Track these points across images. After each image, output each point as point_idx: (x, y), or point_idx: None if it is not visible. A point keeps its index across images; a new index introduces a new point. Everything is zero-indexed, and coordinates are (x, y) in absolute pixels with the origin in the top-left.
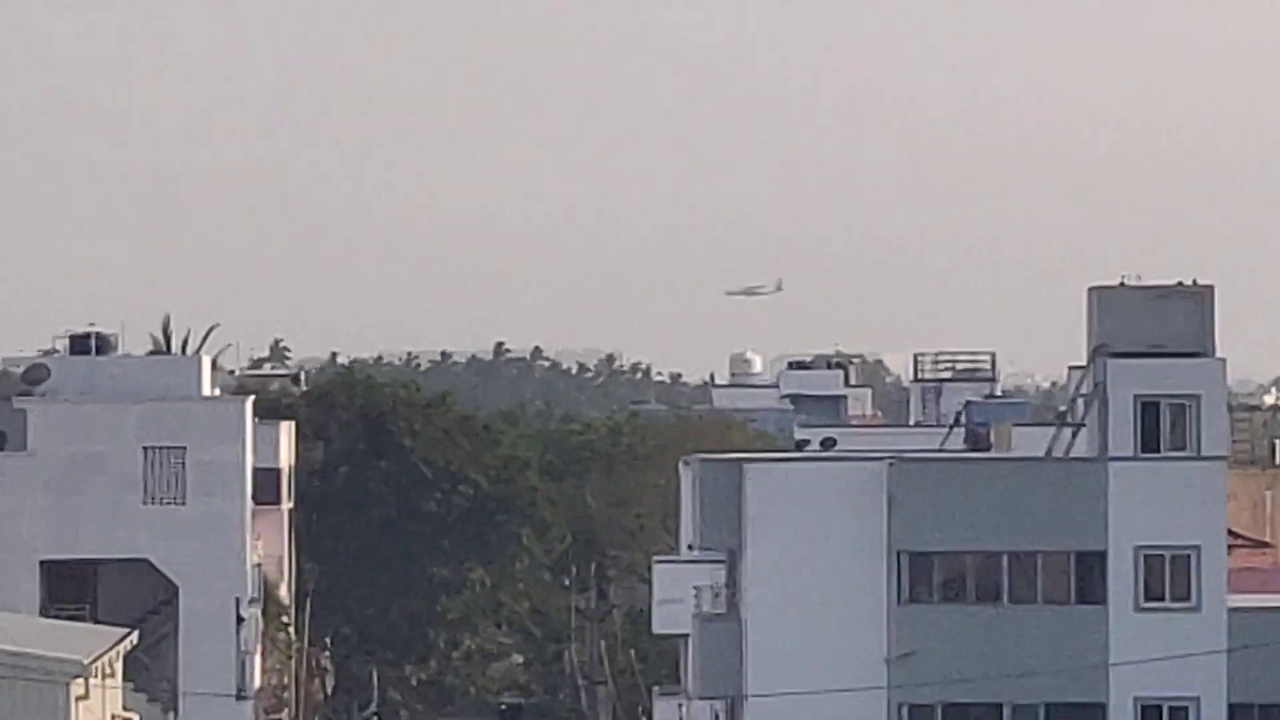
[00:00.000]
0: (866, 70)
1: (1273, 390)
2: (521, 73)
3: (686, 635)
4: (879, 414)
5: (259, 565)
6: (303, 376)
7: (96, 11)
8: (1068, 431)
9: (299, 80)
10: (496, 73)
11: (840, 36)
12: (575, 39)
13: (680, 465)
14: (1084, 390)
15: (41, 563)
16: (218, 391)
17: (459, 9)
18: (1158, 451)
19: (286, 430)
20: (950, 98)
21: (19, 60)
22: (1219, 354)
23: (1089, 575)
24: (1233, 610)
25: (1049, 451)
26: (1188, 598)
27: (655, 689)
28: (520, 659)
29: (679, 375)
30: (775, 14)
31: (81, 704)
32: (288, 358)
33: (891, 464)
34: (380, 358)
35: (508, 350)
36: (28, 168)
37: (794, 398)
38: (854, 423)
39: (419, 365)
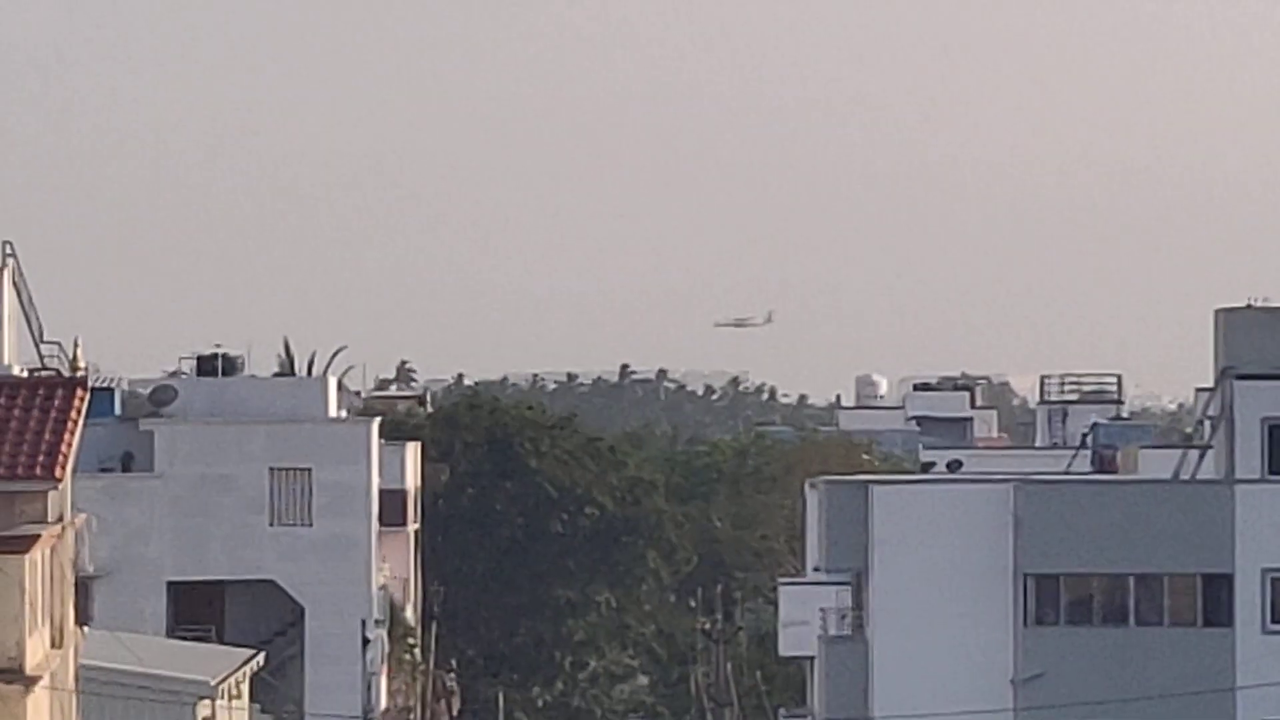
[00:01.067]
0: (999, 84)
1: None
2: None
3: (812, 657)
4: (1005, 436)
5: (385, 587)
6: (429, 398)
7: (197, 38)
8: (1194, 453)
9: (420, 108)
10: (614, 109)
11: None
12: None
13: (806, 487)
14: (1211, 412)
15: (169, 584)
16: (344, 413)
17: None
18: None
19: (413, 451)
20: (1077, 115)
21: (149, 83)
22: None
23: (1216, 598)
24: None
25: (1176, 474)
26: None
27: (781, 711)
28: (646, 681)
29: (805, 397)
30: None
31: None
32: (413, 379)
33: (1018, 486)
34: (505, 379)
35: (633, 372)
36: (155, 191)
37: (920, 420)
38: (980, 445)
39: (544, 387)
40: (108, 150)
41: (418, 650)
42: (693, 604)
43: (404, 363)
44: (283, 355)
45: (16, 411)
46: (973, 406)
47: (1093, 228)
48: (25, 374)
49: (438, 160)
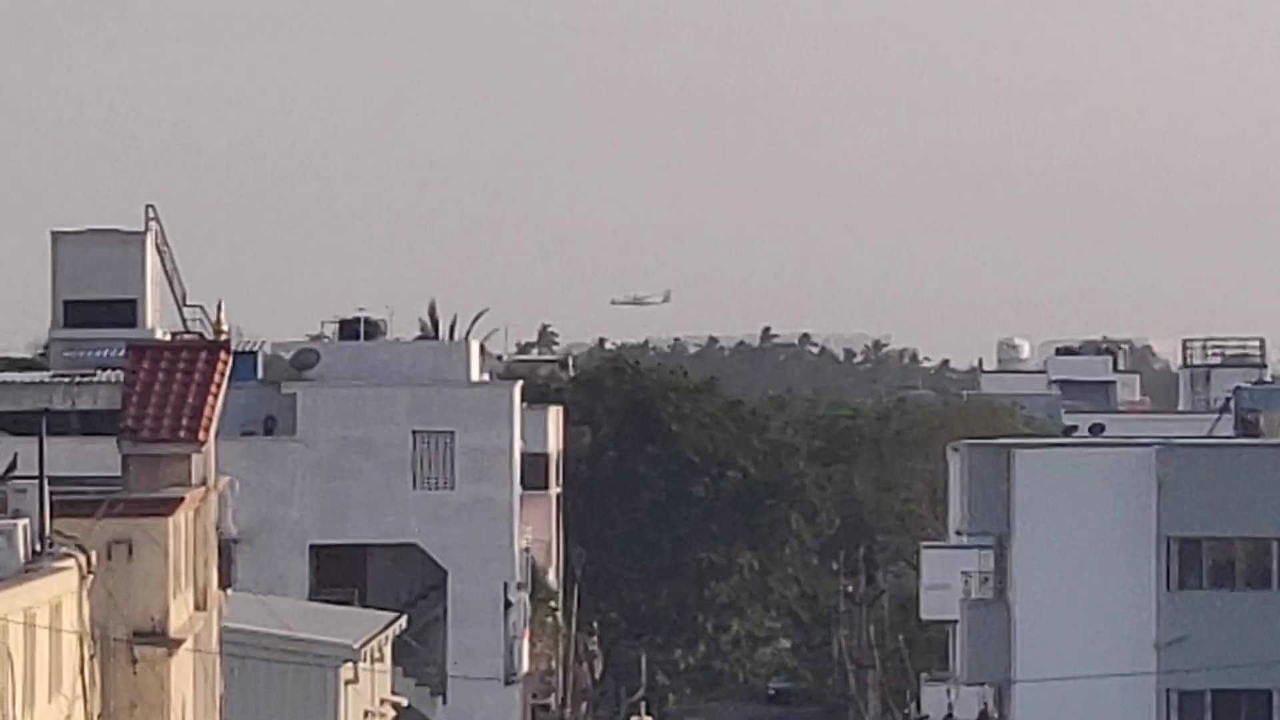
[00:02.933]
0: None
1: None
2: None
3: (954, 621)
4: (1147, 400)
5: (527, 550)
6: (570, 362)
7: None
8: None
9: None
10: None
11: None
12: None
13: (948, 451)
14: None
15: (311, 547)
16: (486, 376)
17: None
18: None
19: (555, 415)
20: (1215, 80)
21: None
22: None
23: None
24: None
25: None
26: None
27: (923, 675)
28: (788, 644)
29: (947, 361)
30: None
31: (351, 688)
32: (555, 343)
33: (1160, 450)
34: (647, 343)
35: (775, 336)
36: (298, 155)
37: (1062, 384)
38: (1122, 409)
39: (685, 351)
40: (250, 114)
41: (560, 614)
42: (835, 567)
43: (546, 326)
44: (426, 319)
45: (160, 375)
46: (1115, 370)
47: (1234, 192)
48: (169, 337)
49: (581, 129)
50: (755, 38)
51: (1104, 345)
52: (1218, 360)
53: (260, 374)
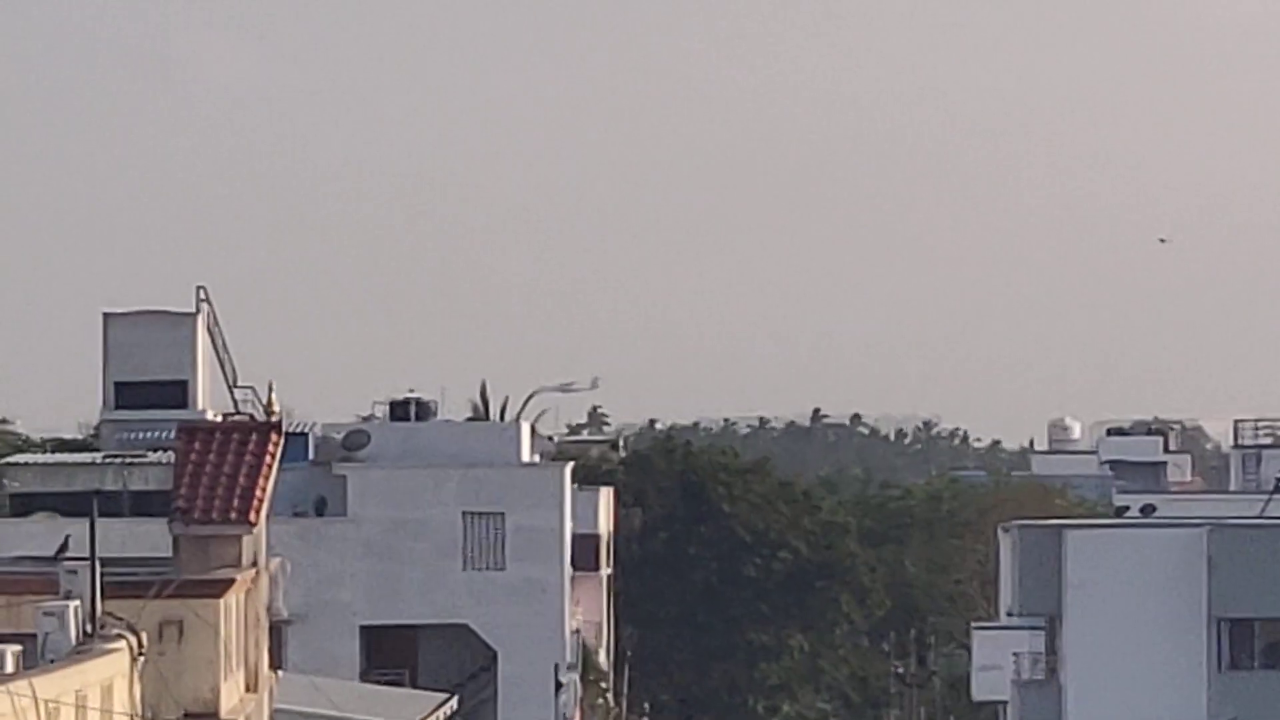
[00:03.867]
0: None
1: None
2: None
3: (1005, 702)
4: (1199, 480)
5: (578, 631)
6: (621, 442)
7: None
8: None
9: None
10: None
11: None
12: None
13: (999, 531)
14: None
15: (362, 627)
16: (537, 457)
17: None
18: None
19: (605, 496)
20: (1270, 154)
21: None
22: None
23: None
24: None
25: None
26: None
27: None
28: None
29: (998, 441)
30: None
31: None
32: (606, 424)
33: (1212, 530)
34: (698, 424)
35: (825, 416)
36: (347, 236)
37: (1113, 464)
38: (1174, 489)
39: (736, 431)
40: (300, 195)
41: (610, 694)
42: (886, 648)
43: (596, 407)
44: (477, 400)
45: (211, 456)
46: (1166, 451)
47: None
48: (220, 419)
49: (629, 206)
50: (809, 110)
51: (1155, 426)
52: (1269, 440)
53: (311, 455)
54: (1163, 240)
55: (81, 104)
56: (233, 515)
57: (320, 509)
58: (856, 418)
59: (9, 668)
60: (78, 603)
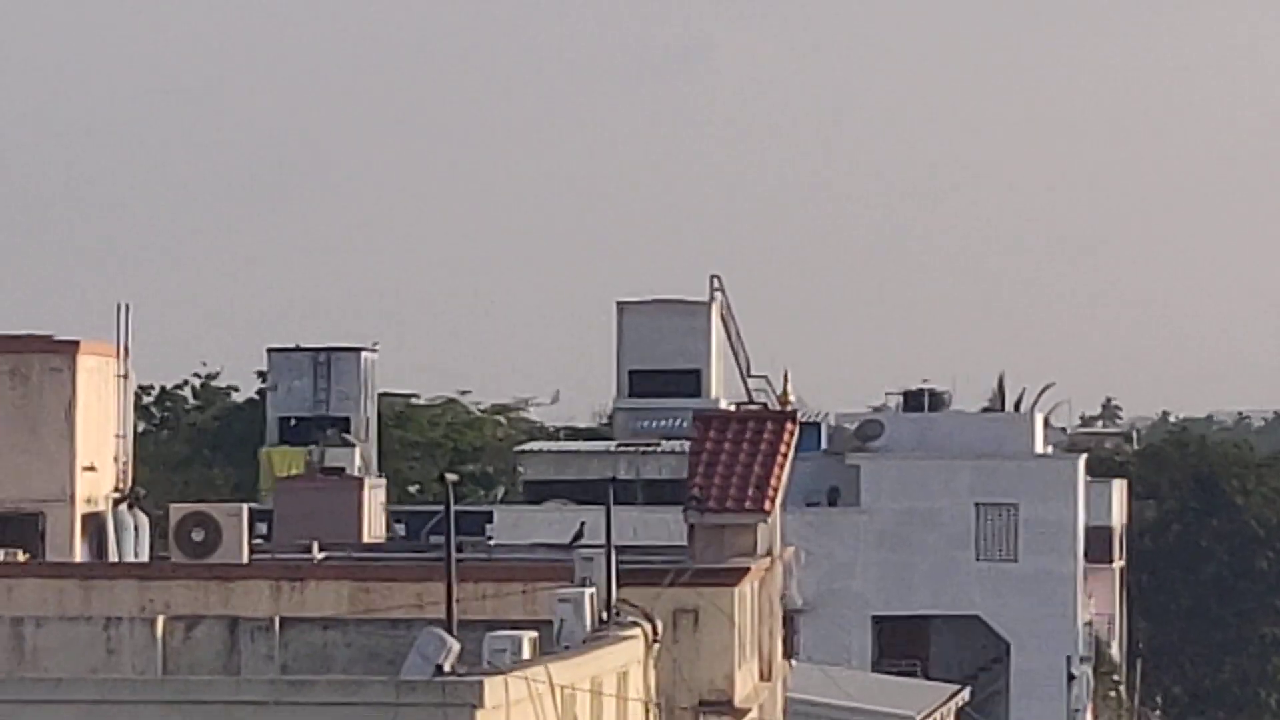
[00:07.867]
0: None
1: None
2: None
3: None
4: None
5: (1090, 624)
6: (1134, 435)
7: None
8: None
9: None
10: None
11: None
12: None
13: None
14: None
15: (873, 618)
16: (1050, 449)
17: None
18: None
19: (1118, 488)
20: None
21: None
22: None
23: None
24: None
25: None
26: None
27: None
28: None
29: None
30: None
31: None
32: (1119, 416)
33: None
34: (1211, 416)
35: None
36: (867, 227)
37: None
38: None
39: (1250, 424)
40: (814, 188)
41: (1123, 688)
42: None
43: (1109, 400)
44: (995, 390)
45: (727, 445)
46: None
47: None
48: (732, 408)
49: (1146, 202)
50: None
51: None
52: None
53: (824, 445)
54: None
55: (593, 97)
56: (747, 504)
57: (833, 499)
58: None
59: (525, 653)
60: (593, 590)
